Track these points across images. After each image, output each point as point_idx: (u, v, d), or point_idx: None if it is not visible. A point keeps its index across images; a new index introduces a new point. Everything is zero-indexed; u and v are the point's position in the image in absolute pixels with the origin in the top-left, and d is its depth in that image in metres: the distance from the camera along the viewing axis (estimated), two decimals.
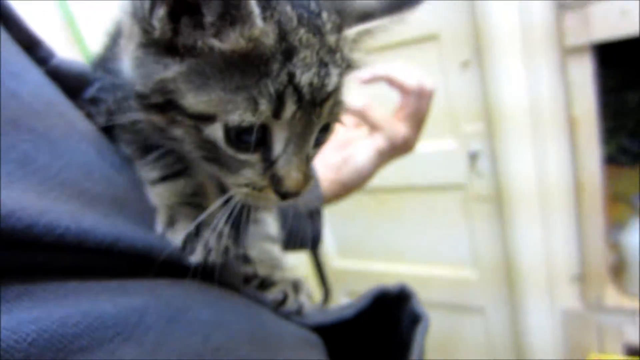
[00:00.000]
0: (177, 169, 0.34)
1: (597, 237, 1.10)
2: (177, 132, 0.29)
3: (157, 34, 0.27)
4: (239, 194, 0.30)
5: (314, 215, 0.56)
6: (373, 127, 0.62)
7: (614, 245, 1.15)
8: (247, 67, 0.26)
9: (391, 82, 0.61)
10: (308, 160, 0.32)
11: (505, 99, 1.16)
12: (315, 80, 0.28)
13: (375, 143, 0.61)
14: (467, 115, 1.31)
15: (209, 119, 0.27)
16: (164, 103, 0.28)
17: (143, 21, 0.27)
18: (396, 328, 0.43)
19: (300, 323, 0.41)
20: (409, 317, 0.43)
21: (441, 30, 1.26)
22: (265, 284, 0.43)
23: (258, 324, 0.35)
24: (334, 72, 0.29)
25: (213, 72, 0.26)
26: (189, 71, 0.27)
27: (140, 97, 0.29)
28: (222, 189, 0.34)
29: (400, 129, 0.62)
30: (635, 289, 1.10)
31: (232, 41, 0.26)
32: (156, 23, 0.26)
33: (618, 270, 1.16)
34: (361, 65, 0.33)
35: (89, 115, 0.34)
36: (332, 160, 0.59)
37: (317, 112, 0.29)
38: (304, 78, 0.27)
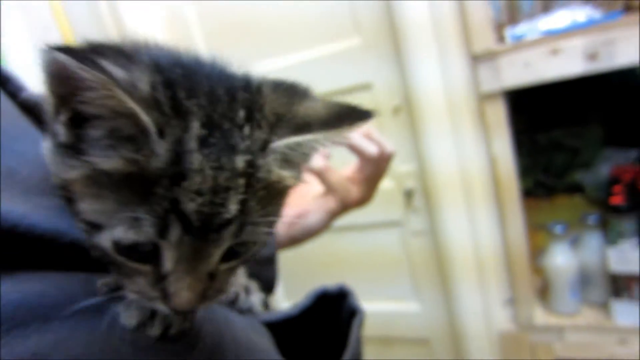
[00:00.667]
0: None
1: (523, 263, 1.21)
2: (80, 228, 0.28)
3: (61, 137, 0.26)
4: (132, 297, 0.28)
5: (269, 263, 0.58)
6: (328, 189, 0.65)
7: (539, 269, 1.26)
8: (134, 184, 0.24)
9: (351, 147, 0.63)
10: (214, 276, 0.28)
11: (429, 146, 1.28)
12: (206, 209, 0.25)
13: (327, 205, 0.64)
14: (400, 156, 1.41)
15: (97, 227, 0.26)
16: (68, 199, 0.27)
17: (50, 122, 0.26)
18: (336, 322, 0.47)
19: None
20: (347, 312, 0.47)
21: (374, 80, 1.37)
22: None
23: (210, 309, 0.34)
24: (235, 198, 0.25)
25: (107, 183, 0.25)
26: (88, 178, 0.25)
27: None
28: None
29: (355, 192, 0.64)
30: (560, 307, 1.21)
31: (113, 162, 0.24)
32: (60, 129, 0.25)
33: (544, 292, 1.27)
34: (291, 181, 0.29)
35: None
36: (287, 215, 0.60)
37: (213, 237, 0.26)
38: (190, 206, 0.24)
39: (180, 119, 0.24)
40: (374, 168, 0.65)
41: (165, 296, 0.27)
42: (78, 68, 0.22)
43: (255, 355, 0.36)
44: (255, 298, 0.46)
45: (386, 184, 1.46)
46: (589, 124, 1.26)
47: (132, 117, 0.23)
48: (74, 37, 1.56)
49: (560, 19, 1.09)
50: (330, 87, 1.40)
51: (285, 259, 0.63)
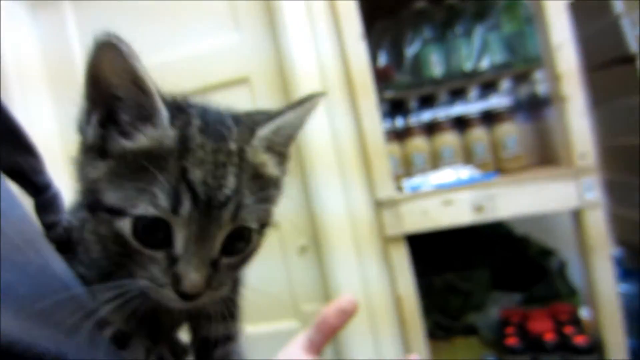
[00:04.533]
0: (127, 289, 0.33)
1: None
2: (103, 230, 0.32)
3: (90, 140, 0.32)
4: (143, 283, 0.31)
5: None
6: None
7: None
8: (151, 164, 0.30)
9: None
10: (217, 266, 0.33)
11: (338, 281, 1.30)
12: (210, 180, 0.31)
13: None
14: (306, 296, 1.40)
15: (119, 212, 0.30)
16: (94, 203, 0.32)
17: (81, 130, 0.32)
18: None
19: None
20: None
21: (281, 219, 1.40)
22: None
23: None
24: (231, 172, 0.32)
25: (126, 171, 0.30)
26: (110, 171, 0.31)
27: (83, 200, 0.34)
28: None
29: None
30: None
31: (138, 140, 0.31)
32: (90, 131, 0.32)
33: None
34: (274, 170, 0.37)
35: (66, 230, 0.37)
36: None
37: (215, 215, 0.31)
38: (197, 173, 0.30)
39: (184, 115, 0.32)
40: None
41: (176, 281, 0.31)
42: (129, 55, 0.29)
43: None
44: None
45: (291, 324, 1.41)
46: (477, 269, 1.39)
47: (151, 100, 0.30)
48: None
49: (447, 175, 1.26)
50: None
51: None
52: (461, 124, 1.37)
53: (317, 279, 1.37)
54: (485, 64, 1.36)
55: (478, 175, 1.25)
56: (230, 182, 0.31)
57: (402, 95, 1.44)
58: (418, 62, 1.41)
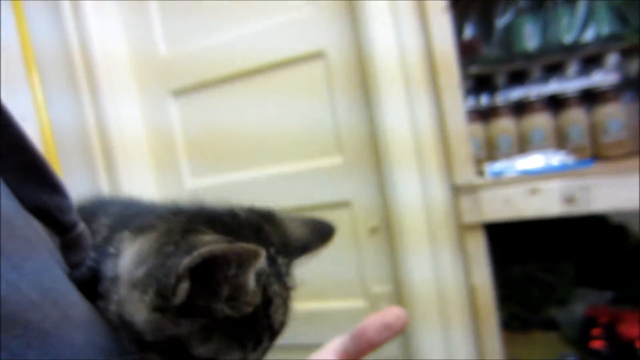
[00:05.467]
0: None
1: None
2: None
3: (177, 300, 0.30)
4: None
5: None
6: None
7: None
8: (242, 320, 0.32)
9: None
10: None
11: (409, 266, 1.27)
12: (284, 320, 0.36)
13: None
14: (376, 277, 1.38)
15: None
16: (171, 349, 0.32)
17: (164, 290, 0.30)
18: None
19: None
20: None
21: (354, 199, 1.38)
22: None
23: None
24: (289, 304, 0.36)
25: (218, 327, 0.32)
26: (200, 328, 0.32)
27: (146, 343, 0.32)
28: None
29: None
30: None
31: (241, 310, 0.32)
32: (179, 293, 0.30)
33: None
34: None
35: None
36: None
37: (275, 338, 0.36)
38: (277, 318, 0.35)
39: (265, 270, 0.34)
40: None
41: None
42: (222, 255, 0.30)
43: None
44: None
45: (359, 304, 1.41)
46: (563, 261, 1.29)
47: (245, 274, 0.31)
48: (30, 38, 1.52)
49: (535, 160, 1.15)
50: (309, 202, 1.40)
51: None
52: (556, 103, 1.24)
53: (387, 261, 1.34)
54: (589, 35, 1.21)
55: (572, 162, 1.13)
56: (290, 312, 0.36)
57: (489, 70, 1.32)
58: (509, 34, 1.28)
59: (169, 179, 1.61)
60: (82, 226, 0.38)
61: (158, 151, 1.61)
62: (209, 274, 0.30)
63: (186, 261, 0.29)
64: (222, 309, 0.31)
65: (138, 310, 0.31)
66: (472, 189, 1.13)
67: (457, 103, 1.15)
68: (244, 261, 0.30)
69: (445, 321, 1.23)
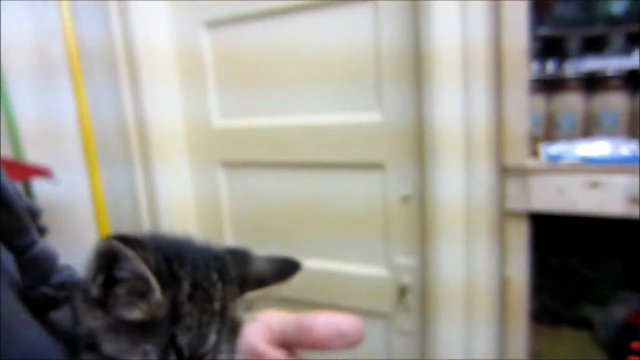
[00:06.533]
0: None
1: None
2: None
3: (94, 294, 0.33)
4: None
5: None
6: None
7: None
8: (145, 327, 0.32)
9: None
10: None
11: (439, 246, 1.17)
12: (195, 340, 0.33)
13: None
14: (402, 247, 1.30)
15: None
16: (92, 344, 0.33)
17: (88, 285, 0.33)
18: None
19: None
20: None
21: (387, 161, 1.27)
22: None
23: None
24: (213, 330, 0.34)
25: (124, 329, 0.32)
26: (109, 325, 0.33)
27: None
28: None
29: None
30: None
31: (133, 313, 0.32)
32: (95, 287, 0.33)
33: None
34: (247, 320, 0.37)
35: (56, 300, 0.38)
36: None
37: None
38: (184, 338, 0.33)
39: (175, 282, 0.33)
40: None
41: None
42: (125, 249, 0.31)
43: None
44: None
45: (380, 272, 1.34)
46: (609, 259, 1.17)
47: (146, 281, 0.32)
48: (77, 43, 1.46)
49: (601, 147, 1.01)
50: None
51: None
52: (637, 81, 1.07)
53: (415, 234, 1.25)
54: None
55: None
56: (212, 339, 0.34)
57: (562, 33, 1.14)
58: None
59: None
60: (38, 247, 0.38)
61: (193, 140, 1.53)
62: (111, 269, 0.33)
63: (95, 247, 0.32)
64: (117, 310, 0.32)
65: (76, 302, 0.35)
66: (522, 172, 1.01)
67: (521, 63, 1.00)
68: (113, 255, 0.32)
69: (469, 305, 1.15)
